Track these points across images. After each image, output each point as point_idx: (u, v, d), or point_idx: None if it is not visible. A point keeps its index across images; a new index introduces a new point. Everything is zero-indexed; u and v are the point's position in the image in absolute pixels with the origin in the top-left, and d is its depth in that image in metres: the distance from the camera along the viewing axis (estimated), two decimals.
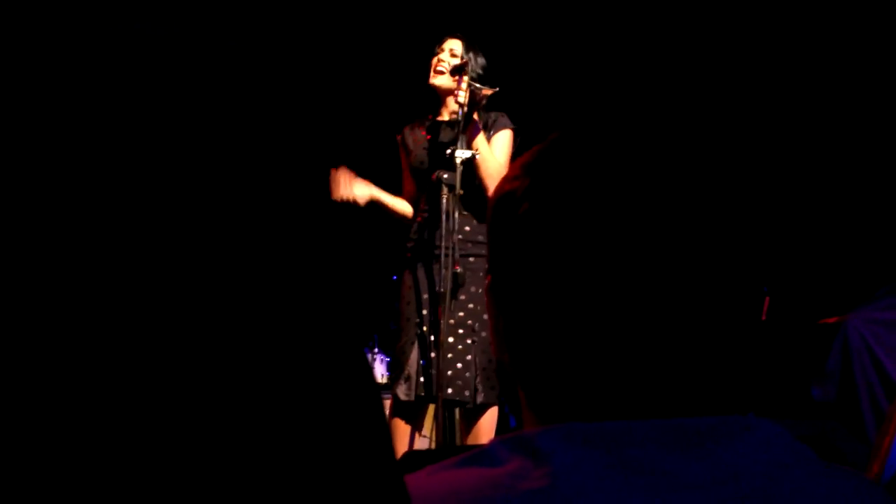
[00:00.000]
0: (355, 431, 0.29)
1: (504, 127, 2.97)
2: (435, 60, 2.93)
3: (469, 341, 2.79)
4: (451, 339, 2.77)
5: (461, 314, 2.81)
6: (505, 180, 0.63)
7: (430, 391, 2.71)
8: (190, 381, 0.25)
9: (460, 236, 2.84)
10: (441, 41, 2.99)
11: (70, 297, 0.25)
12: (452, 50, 2.94)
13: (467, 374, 2.77)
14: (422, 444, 2.97)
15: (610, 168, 0.58)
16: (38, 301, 0.24)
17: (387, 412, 2.99)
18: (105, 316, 0.25)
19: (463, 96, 2.75)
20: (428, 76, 2.97)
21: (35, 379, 0.24)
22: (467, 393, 2.76)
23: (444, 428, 2.73)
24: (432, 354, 2.73)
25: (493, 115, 2.97)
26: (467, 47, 2.95)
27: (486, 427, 2.85)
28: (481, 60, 2.95)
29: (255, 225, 0.29)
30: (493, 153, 2.87)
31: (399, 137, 3.07)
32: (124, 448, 0.24)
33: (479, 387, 2.78)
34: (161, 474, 0.24)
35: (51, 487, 0.23)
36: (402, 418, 2.86)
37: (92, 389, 0.24)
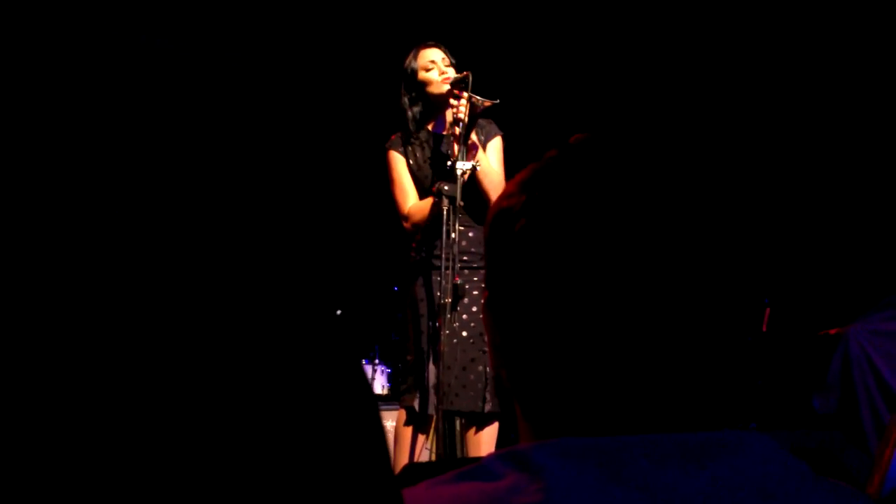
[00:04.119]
0: (352, 443, 0.29)
1: (495, 134, 2.99)
2: (437, 72, 2.92)
3: (480, 352, 2.80)
4: (464, 351, 2.78)
5: (473, 325, 2.82)
6: (502, 197, 0.63)
7: (441, 402, 2.72)
8: (188, 389, 0.26)
9: (473, 249, 2.85)
10: (416, 55, 2.95)
11: (69, 298, 0.25)
12: (444, 59, 2.94)
13: (479, 386, 2.79)
14: (423, 455, 2.97)
15: (607, 185, 0.58)
16: (39, 301, 0.25)
17: (393, 423, 3.00)
18: (110, 323, 0.25)
19: (464, 111, 2.74)
20: (423, 86, 2.95)
21: (35, 379, 0.24)
22: (479, 403, 2.78)
23: (445, 439, 2.73)
24: (439, 366, 2.74)
25: (482, 122, 2.97)
26: (450, 55, 2.97)
27: (488, 438, 2.86)
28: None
29: (254, 234, 0.29)
30: (491, 164, 2.88)
31: (389, 150, 3.02)
32: (123, 454, 0.24)
33: (488, 395, 2.79)
34: (156, 481, 0.25)
35: (51, 487, 0.23)
36: (413, 429, 2.87)
37: (94, 394, 0.24)
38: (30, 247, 0.25)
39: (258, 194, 0.30)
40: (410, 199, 2.97)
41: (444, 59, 2.95)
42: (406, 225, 2.97)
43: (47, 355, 0.24)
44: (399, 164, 3.00)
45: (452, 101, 2.81)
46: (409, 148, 2.99)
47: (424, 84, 2.95)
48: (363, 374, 0.32)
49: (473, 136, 2.84)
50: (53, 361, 0.24)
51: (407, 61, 2.98)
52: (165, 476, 0.25)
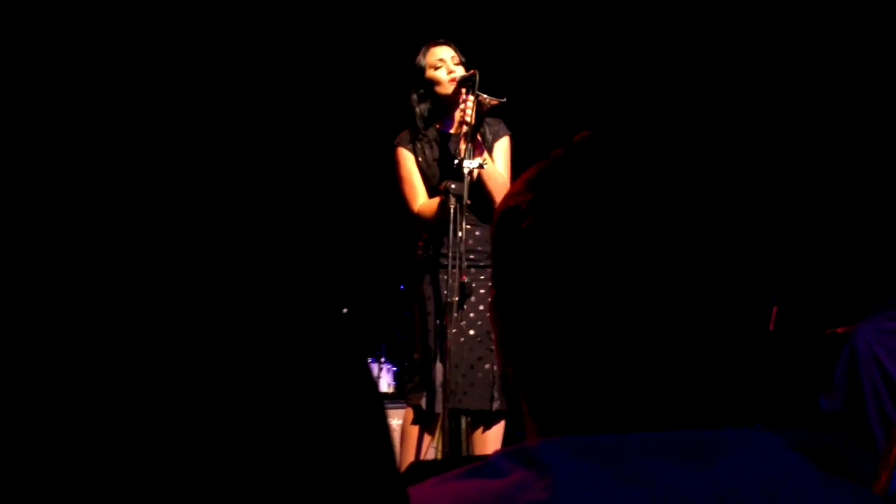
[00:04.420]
0: (357, 441, 0.30)
1: (503, 133, 2.99)
2: (445, 71, 2.92)
3: (488, 350, 2.81)
4: (471, 350, 2.79)
5: (480, 323, 2.83)
6: (509, 195, 0.63)
7: (448, 401, 2.73)
8: (193, 388, 0.26)
9: (479, 248, 2.86)
10: (425, 52, 2.95)
11: (72, 298, 0.25)
12: (454, 58, 2.94)
13: (487, 384, 2.80)
14: (429, 454, 2.98)
15: (613, 182, 0.58)
16: (39, 301, 0.25)
17: (399, 421, 3.02)
18: (113, 322, 0.25)
19: (470, 112, 2.74)
20: (431, 84, 2.94)
21: (35, 379, 0.24)
22: (487, 402, 2.79)
23: (451, 438, 2.74)
24: (445, 364, 2.74)
25: (491, 121, 2.97)
26: (460, 54, 2.96)
27: (494, 437, 2.87)
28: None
29: (260, 232, 0.29)
30: (497, 165, 2.89)
31: (398, 146, 3.02)
32: (128, 454, 0.25)
33: (496, 394, 2.80)
34: (161, 478, 0.25)
35: (51, 487, 0.24)
36: (420, 427, 2.88)
37: (96, 392, 0.25)
38: (30, 247, 0.25)
39: (264, 193, 0.31)
40: (420, 197, 2.97)
41: (453, 57, 2.94)
42: (420, 228, 2.98)
43: (48, 355, 0.24)
44: (408, 160, 2.99)
45: (460, 104, 2.81)
46: (418, 145, 2.99)
47: (432, 83, 2.94)
48: (369, 372, 0.32)
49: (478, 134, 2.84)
50: (55, 361, 0.24)
51: (416, 59, 2.97)
52: (169, 475, 0.25)
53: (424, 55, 2.96)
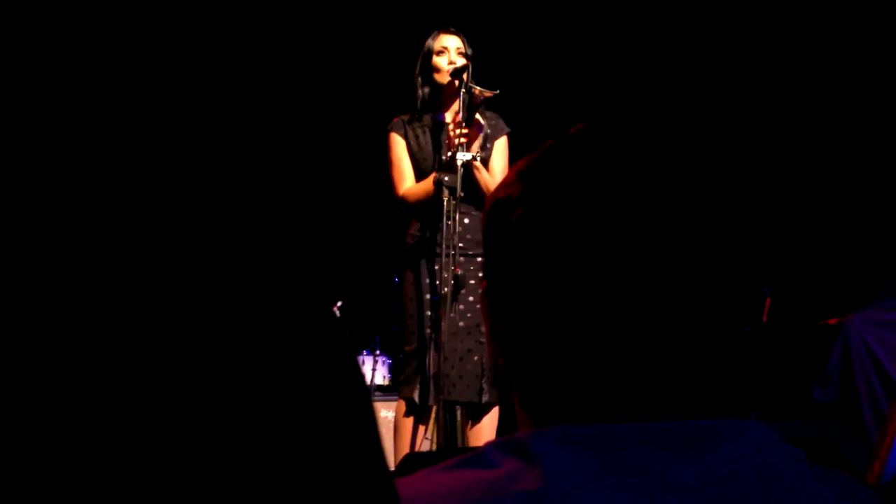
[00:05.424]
0: (345, 434, 0.30)
1: (501, 132, 3.00)
2: (446, 61, 2.92)
3: (477, 343, 2.82)
4: (460, 342, 2.79)
5: (469, 315, 2.83)
6: (500, 187, 0.63)
7: (441, 393, 2.74)
8: (180, 384, 0.26)
9: (469, 236, 2.86)
10: (435, 37, 2.97)
11: (64, 297, 0.25)
12: (459, 48, 2.94)
13: (476, 376, 2.81)
14: (424, 445, 2.98)
15: (604, 174, 0.58)
16: (38, 301, 0.25)
17: (393, 414, 3.03)
18: (103, 318, 0.25)
19: (463, 109, 2.75)
20: (429, 72, 2.95)
21: (34, 379, 0.24)
22: (476, 394, 2.80)
23: (446, 429, 2.75)
24: (439, 356, 2.75)
25: (489, 115, 2.98)
26: (467, 45, 2.96)
27: (488, 426, 2.88)
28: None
29: (249, 228, 0.29)
30: (495, 163, 2.91)
31: (390, 131, 3.03)
32: (118, 448, 0.25)
33: (485, 386, 2.81)
34: (149, 477, 0.25)
35: (48, 487, 0.24)
36: (413, 420, 2.89)
37: (89, 389, 0.25)
38: (28, 246, 0.25)
39: (255, 185, 0.30)
40: (407, 181, 2.99)
41: (458, 48, 2.95)
42: (401, 207, 3.00)
43: (45, 354, 0.24)
44: (398, 146, 3.01)
45: (455, 104, 2.83)
46: (410, 131, 3.00)
47: (433, 69, 2.96)
48: (356, 365, 0.32)
49: (479, 118, 2.85)
50: (47, 360, 0.24)
51: (427, 41, 2.99)
52: (152, 469, 0.25)
53: (434, 39, 2.98)
